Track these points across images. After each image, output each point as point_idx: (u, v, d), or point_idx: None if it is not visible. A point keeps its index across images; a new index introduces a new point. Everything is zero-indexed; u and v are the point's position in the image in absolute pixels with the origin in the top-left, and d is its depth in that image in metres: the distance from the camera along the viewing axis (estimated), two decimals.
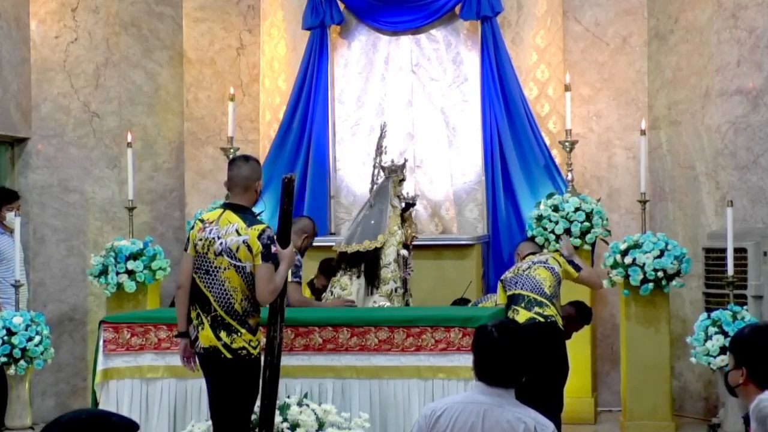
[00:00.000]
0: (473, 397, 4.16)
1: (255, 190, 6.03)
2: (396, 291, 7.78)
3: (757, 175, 9.06)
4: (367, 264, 7.79)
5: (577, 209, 9.25)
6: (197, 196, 10.59)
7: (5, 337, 7.98)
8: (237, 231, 5.88)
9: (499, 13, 9.95)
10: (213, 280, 5.90)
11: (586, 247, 9.29)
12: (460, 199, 10.06)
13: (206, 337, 5.91)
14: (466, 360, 6.46)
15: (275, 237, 5.92)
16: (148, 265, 9.21)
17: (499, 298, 7.97)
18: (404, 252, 7.91)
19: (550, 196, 9.43)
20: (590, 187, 10.16)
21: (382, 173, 8.14)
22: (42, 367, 8.37)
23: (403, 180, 8.11)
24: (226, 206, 6.05)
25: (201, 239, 5.96)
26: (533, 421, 4.07)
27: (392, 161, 8.18)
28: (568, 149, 9.65)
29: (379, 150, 8.28)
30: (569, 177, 9.63)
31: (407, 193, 8.15)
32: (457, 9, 10.07)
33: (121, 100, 10.24)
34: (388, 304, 7.68)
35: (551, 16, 10.17)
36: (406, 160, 8.38)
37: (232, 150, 9.91)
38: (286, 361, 6.37)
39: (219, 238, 5.90)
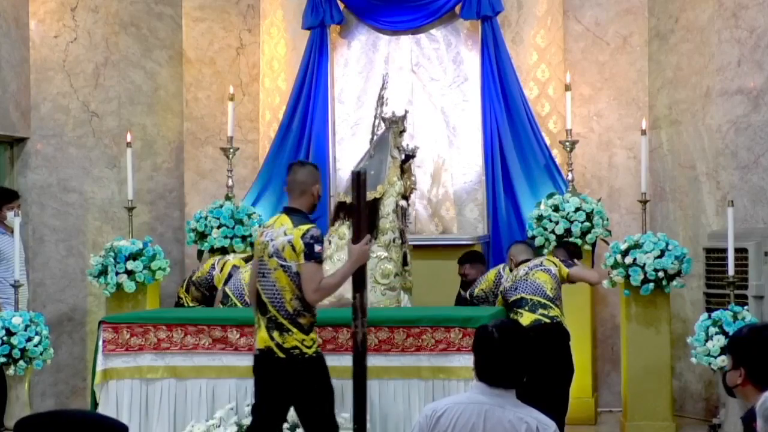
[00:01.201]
0: (474, 398, 4.14)
1: (312, 194, 6.10)
2: (394, 242, 7.77)
3: (757, 175, 9.05)
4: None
5: (577, 209, 9.23)
6: (197, 196, 10.58)
7: (4, 338, 7.96)
8: (284, 232, 5.96)
9: (499, 12, 9.94)
10: (267, 281, 5.98)
11: (587, 247, 9.28)
12: (460, 199, 10.05)
13: (261, 338, 5.97)
14: (467, 360, 6.45)
15: (322, 237, 5.94)
16: (147, 265, 9.20)
17: (498, 304, 7.98)
18: (403, 203, 7.90)
19: (550, 196, 9.41)
20: (591, 187, 10.15)
21: (382, 124, 8.13)
22: (41, 367, 8.35)
23: (403, 131, 8.12)
24: (284, 210, 6.16)
25: (260, 244, 6.09)
26: (535, 420, 4.06)
27: (393, 113, 8.17)
28: (568, 149, 9.64)
29: (380, 101, 8.27)
30: (570, 177, 9.62)
31: (407, 145, 8.13)
32: (458, 8, 10.06)
33: (121, 99, 10.23)
34: (385, 254, 7.66)
35: (551, 16, 10.16)
36: (407, 112, 8.37)
37: (231, 150, 9.90)
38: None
39: (272, 240, 6.00)
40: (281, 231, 5.97)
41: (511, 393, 4.13)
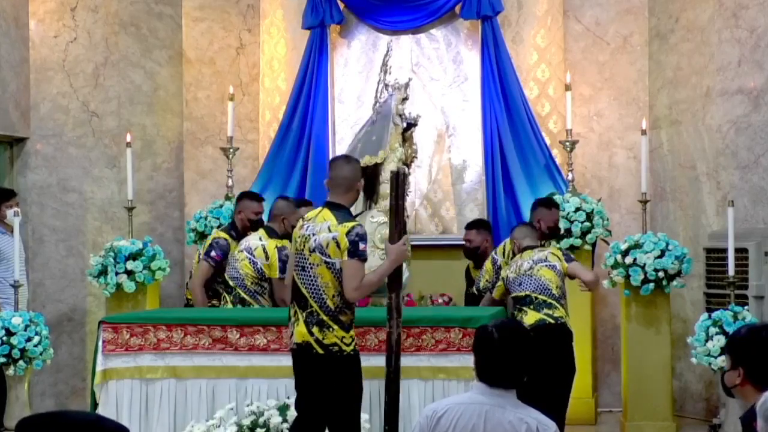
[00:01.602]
0: (474, 398, 4.13)
1: (357, 190, 6.11)
2: None
3: (758, 175, 9.04)
4: (367, 179, 7.78)
5: (577, 209, 9.22)
6: (196, 195, 10.57)
7: (4, 338, 7.95)
8: (329, 228, 5.91)
9: (499, 12, 9.94)
10: (308, 276, 5.93)
11: (587, 247, 9.27)
12: (460, 199, 10.04)
13: (300, 332, 5.93)
14: (467, 360, 6.44)
15: (366, 235, 5.91)
16: (147, 266, 9.19)
17: (496, 293, 7.89)
18: (404, 169, 7.89)
19: (550, 195, 9.39)
20: (591, 187, 10.14)
21: (385, 91, 8.12)
22: (41, 367, 8.34)
23: (406, 98, 8.10)
24: (326, 204, 6.11)
25: (300, 237, 6.03)
26: (535, 421, 4.05)
27: (396, 80, 8.15)
28: (568, 149, 9.63)
29: (384, 68, 8.26)
30: (570, 177, 9.61)
31: (409, 113, 8.12)
32: (458, 8, 10.05)
33: (121, 99, 10.22)
34: (385, 219, 7.67)
35: (552, 16, 10.15)
36: (410, 79, 8.36)
37: (231, 150, 9.89)
38: (286, 362, 6.34)
39: (314, 234, 5.95)
40: (325, 226, 5.92)
41: (511, 393, 4.12)
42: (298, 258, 6.01)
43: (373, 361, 6.48)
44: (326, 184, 6.20)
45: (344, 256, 5.83)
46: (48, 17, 9.96)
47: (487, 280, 8.16)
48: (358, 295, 5.91)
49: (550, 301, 7.48)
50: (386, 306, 6.12)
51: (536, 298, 7.49)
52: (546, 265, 7.56)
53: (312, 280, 5.90)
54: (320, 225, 5.95)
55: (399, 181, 6.06)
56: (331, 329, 5.86)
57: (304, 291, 5.93)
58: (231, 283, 7.93)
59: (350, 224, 5.90)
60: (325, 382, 5.90)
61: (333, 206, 6.02)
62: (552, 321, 7.42)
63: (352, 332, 5.96)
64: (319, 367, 5.90)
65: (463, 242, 8.89)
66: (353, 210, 6.29)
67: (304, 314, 5.91)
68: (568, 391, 7.60)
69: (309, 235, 5.96)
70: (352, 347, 5.94)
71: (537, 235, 7.92)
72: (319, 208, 6.13)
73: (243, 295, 7.85)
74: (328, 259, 5.86)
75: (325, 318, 5.86)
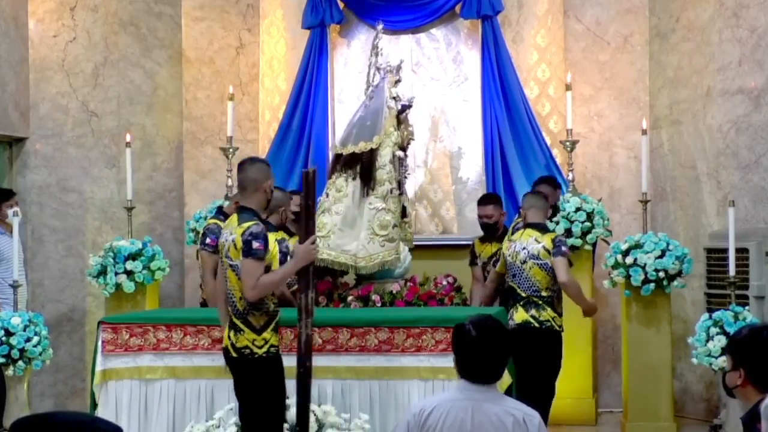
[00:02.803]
0: (459, 395, 4.21)
1: (264, 190, 6.02)
2: (392, 192, 7.74)
3: (758, 174, 9.02)
4: (363, 165, 7.74)
5: (578, 209, 9.20)
6: (196, 195, 10.56)
7: (3, 338, 7.94)
8: (231, 231, 5.93)
9: (499, 12, 9.93)
10: (225, 281, 5.97)
11: (587, 247, 9.25)
12: (461, 199, 10.04)
13: (224, 337, 5.97)
14: None
15: (263, 233, 5.82)
16: (147, 266, 9.17)
17: (499, 266, 7.87)
18: (400, 153, 7.86)
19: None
20: (591, 186, 10.13)
21: (377, 74, 8.08)
22: (40, 367, 8.32)
23: (398, 81, 8.06)
24: (237, 209, 6.10)
25: (220, 244, 6.08)
26: (520, 412, 4.14)
27: (388, 62, 8.11)
28: (569, 149, 9.62)
29: (374, 50, 8.23)
30: (570, 177, 9.60)
31: (403, 95, 8.09)
32: (458, 8, 10.05)
33: (120, 99, 10.21)
34: (383, 205, 7.64)
35: (552, 15, 10.14)
36: (402, 61, 8.32)
37: (231, 150, 9.88)
38: (286, 362, 6.33)
39: (225, 240, 5.98)
40: (229, 231, 5.95)
41: (493, 387, 4.21)
42: (221, 265, 6.05)
43: (373, 362, 6.47)
44: (238, 188, 6.17)
45: (240, 256, 5.82)
46: (47, 17, 9.94)
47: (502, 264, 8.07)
48: (256, 294, 5.81)
49: (539, 302, 7.46)
50: (296, 307, 6.06)
51: (526, 297, 7.48)
52: (537, 264, 7.49)
53: (226, 284, 5.93)
54: (228, 230, 5.97)
55: (309, 182, 5.97)
56: (242, 332, 5.85)
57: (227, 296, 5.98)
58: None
59: (247, 224, 5.85)
60: (241, 386, 5.91)
61: (240, 209, 6.00)
62: (537, 325, 7.38)
63: (266, 335, 5.87)
64: (235, 371, 5.92)
65: (481, 218, 8.76)
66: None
67: (229, 319, 5.95)
68: (552, 388, 7.58)
69: (223, 241, 6.00)
70: (264, 350, 5.86)
71: (544, 208, 7.73)
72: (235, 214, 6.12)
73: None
74: (231, 262, 5.87)
75: (236, 321, 5.87)
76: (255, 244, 5.76)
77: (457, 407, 4.13)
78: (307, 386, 6.05)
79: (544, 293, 7.44)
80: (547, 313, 7.43)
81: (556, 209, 8.30)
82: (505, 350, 4.25)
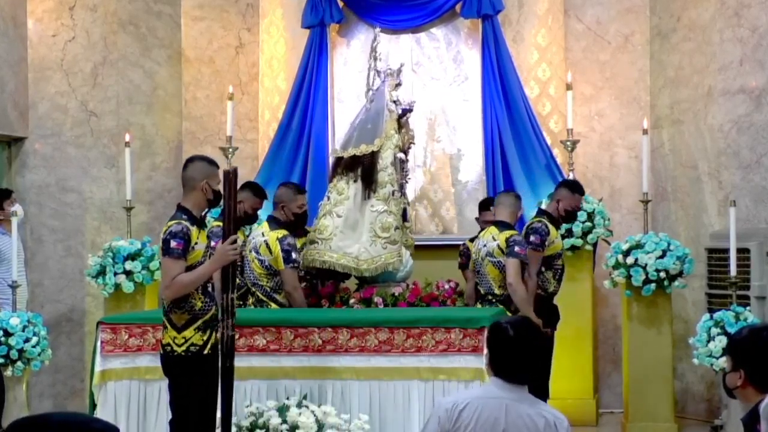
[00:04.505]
0: (493, 392, 4.25)
1: (201, 189, 5.89)
2: (393, 195, 7.73)
3: (760, 174, 9.01)
4: (364, 168, 7.73)
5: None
6: None
7: (2, 338, 7.92)
8: (163, 231, 5.91)
9: (500, 11, 9.91)
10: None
11: (588, 247, 9.24)
12: (461, 199, 10.02)
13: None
14: (467, 361, 6.44)
15: (183, 232, 5.74)
16: (146, 266, 9.16)
17: (471, 265, 7.96)
18: (401, 156, 7.85)
19: (551, 195, 9.36)
20: (592, 186, 10.10)
21: (377, 78, 8.07)
22: (39, 368, 8.30)
23: (399, 84, 8.06)
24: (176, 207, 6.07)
25: None
26: (552, 415, 4.21)
27: (388, 66, 8.10)
28: (569, 149, 9.61)
29: (373, 53, 8.21)
30: (571, 176, 9.57)
31: (403, 99, 8.08)
32: (458, 7, 10.03)
33: (119, 99, 10.19)
34: (385, 208, 7.62)
35: (552, 15, 10.13)
36: (402, 65, 8.31)
37: (230, 149, 9.86)
38: (286, 362, 6.32)
39: None
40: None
41: (524, 389, 4.25)
42: None
43: (373, 362, 6.45)
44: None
45: (161, 255, 5.84)
46: (46, 16, 9.92)
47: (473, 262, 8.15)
48: (170, 293, 5.76)
49: (492, 300, 7.51)
50: (222, 306, 5.95)
51: (483, 294, 7.54)
52: (492, 262, 7.48)
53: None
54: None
55: (230, 182, 5.86)
56: (166, 329, 5.86)
57: None
58: (249, 286, 7.88)
59: (170, 223, 5.82)
60: (169, 382, 5.92)
61: (177, 208, 5.95)
62: None
63: (187, 333, 5.81)
64: (163, 368, 5.95)
65: (485, 223, 8.74)
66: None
67: None
68: (545, 389, 7.59)
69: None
70: (183, 348, 5.81)
71: (512, 206, 7.70)
72: None
73: (260, 296, 7.71)
74: (160, 261, 5.86)
75: (163, 318, 5.89)
76: (173, 243, 5.72)
77: (491, 405, 4.17)
78: (230, 385, 5.96)
79: (497, 291, 7.47)
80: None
81: (571, 214, 8.26)
82: (540, 351, 4.36)
